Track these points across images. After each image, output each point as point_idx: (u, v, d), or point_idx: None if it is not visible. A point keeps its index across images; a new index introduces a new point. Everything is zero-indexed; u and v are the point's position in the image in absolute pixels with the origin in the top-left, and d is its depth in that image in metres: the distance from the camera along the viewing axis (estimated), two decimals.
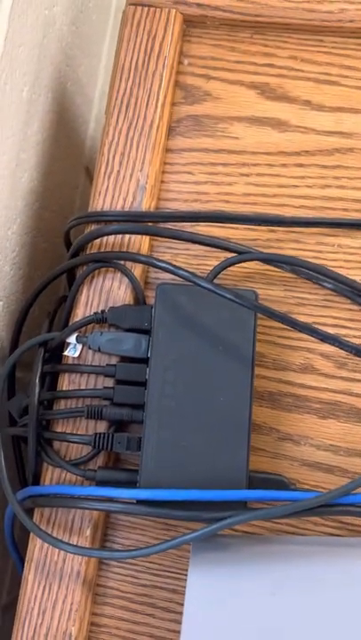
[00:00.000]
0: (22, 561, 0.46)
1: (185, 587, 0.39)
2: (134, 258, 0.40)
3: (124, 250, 0.41)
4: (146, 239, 0.41)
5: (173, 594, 0.39)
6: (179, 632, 0.38)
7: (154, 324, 0.38)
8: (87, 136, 0.65)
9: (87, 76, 0.62)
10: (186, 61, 0.45)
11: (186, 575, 0.39)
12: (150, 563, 0.39)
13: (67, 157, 0.59)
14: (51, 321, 0.43)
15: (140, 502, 0.36)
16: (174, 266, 0.38)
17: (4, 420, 0.44)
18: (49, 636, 0.37)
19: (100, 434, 0.38)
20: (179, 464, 0.36)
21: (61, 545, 0.36)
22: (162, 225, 0.41)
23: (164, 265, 0.38)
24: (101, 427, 0.39)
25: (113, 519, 0.40)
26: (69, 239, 0.47)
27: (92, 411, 0.38)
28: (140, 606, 0.39)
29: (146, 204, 0.42)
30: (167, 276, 0.41)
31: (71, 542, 0.37)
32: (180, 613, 0.39)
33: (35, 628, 0.37)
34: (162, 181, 0.43)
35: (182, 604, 0.39)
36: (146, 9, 0.44)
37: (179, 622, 0.39)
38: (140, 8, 0.44)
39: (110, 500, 0.36)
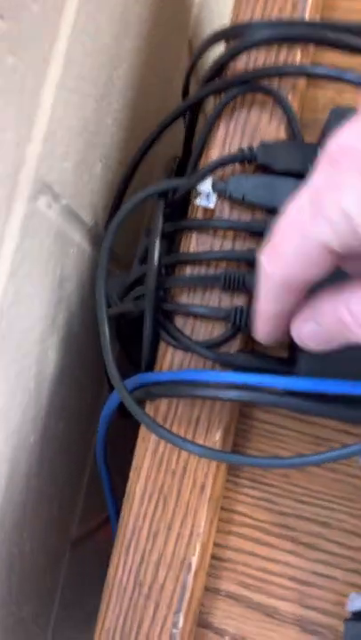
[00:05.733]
0: (111, 480, 0.38)
1: (339, 521, 0.29)
2: (300, 69, 0.29)
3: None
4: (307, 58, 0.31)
5: (323, 528, 0.29)
6: (326, 576, 0.29)
7: None
8: (194, 3, 0.54)
9: None
10: None
11: (343, 505, 0.29)
12: (294, 486, 0.30)
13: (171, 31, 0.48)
14: (176, 168, 0.33)
15: (292, 395, 0.26)
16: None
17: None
18: (161, 564, 0.28)
19: (240, 308, 0.28)
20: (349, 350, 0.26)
21: (187, 445, 0.27)
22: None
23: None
24: (239, 300, 0.29)
25: (245, 425, 0.31)
26: (189, 82, 0.37)
27: (231, 278, 0.29)
28: (278, 540, 0.30)
29: (310, 15, 0.31)
30: None
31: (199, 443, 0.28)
32: (332, 554, 0.29)
33: (143, 555, 0.29)
34: None
35: (334, 542, 0.29)
36: None
37: (327, 564, 0.29)
38: None
39: (259, 389, 0.26)
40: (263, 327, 0.23)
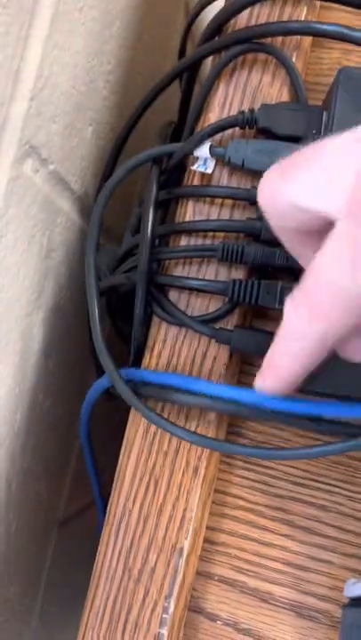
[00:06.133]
0: (95, 461, 0.36)
1: (337, 504, 0.28)
2: (306, 26, 0.27)
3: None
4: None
5: (321, 511, 0.28)
6: (323, 560, 0.28)
7: (332, 122, 0.26)
8: None
9: None
10: None
11: (341, 488, 0.28)
12: (292, 467, 0.29)
13: None
14: (171, 134, 0.31)
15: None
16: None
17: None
18: (152, 548, 0.27)
19: (239, 281, 0.27)
20: None
21: (178, 431, 0.25)
22: None
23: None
24: (237, 273, 0.28)
25: None
26: (186, 43, 0.35)
27: (229, 249, 0.27)
28: (273, 523, 0.29)
29: None
30: None
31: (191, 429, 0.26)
32: (329, 538, 0.28)
33: (132, 539, 0.27)
34: None
35: (331, 526, 0.28)
36: None
37: (324, 548, 0.28)
38: None
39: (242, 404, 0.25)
40: (280, 382, 0.22)
